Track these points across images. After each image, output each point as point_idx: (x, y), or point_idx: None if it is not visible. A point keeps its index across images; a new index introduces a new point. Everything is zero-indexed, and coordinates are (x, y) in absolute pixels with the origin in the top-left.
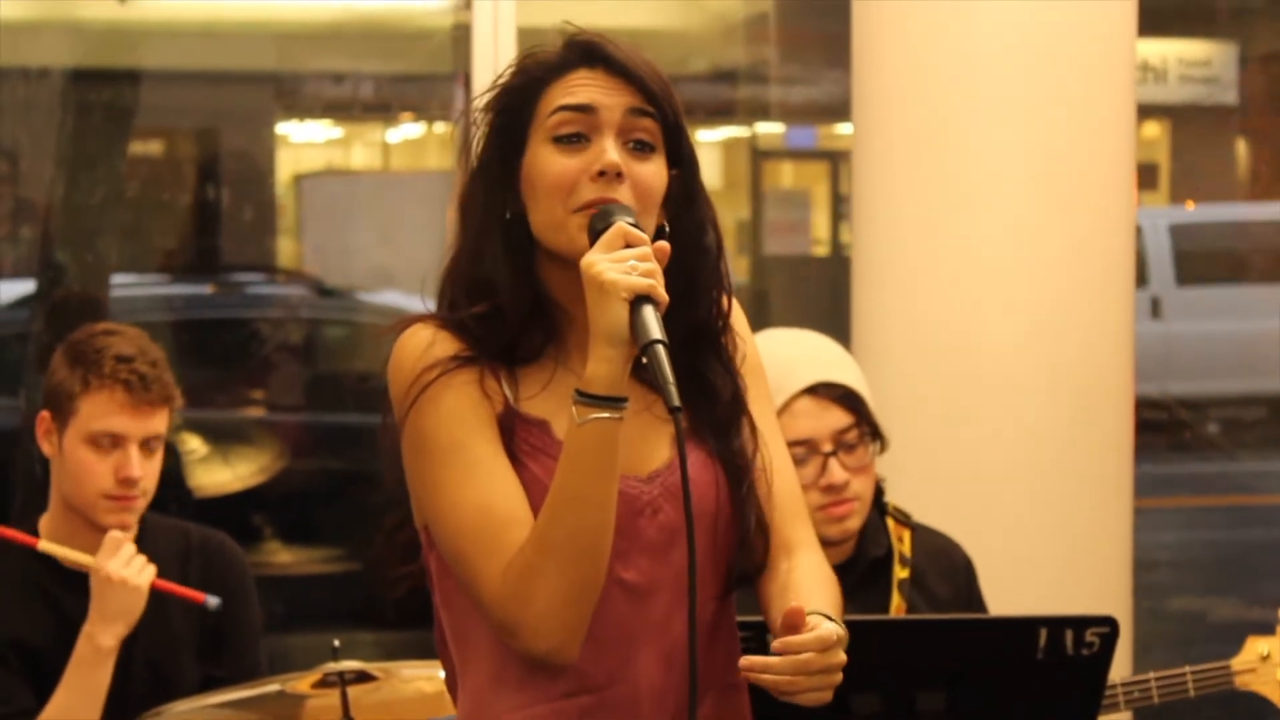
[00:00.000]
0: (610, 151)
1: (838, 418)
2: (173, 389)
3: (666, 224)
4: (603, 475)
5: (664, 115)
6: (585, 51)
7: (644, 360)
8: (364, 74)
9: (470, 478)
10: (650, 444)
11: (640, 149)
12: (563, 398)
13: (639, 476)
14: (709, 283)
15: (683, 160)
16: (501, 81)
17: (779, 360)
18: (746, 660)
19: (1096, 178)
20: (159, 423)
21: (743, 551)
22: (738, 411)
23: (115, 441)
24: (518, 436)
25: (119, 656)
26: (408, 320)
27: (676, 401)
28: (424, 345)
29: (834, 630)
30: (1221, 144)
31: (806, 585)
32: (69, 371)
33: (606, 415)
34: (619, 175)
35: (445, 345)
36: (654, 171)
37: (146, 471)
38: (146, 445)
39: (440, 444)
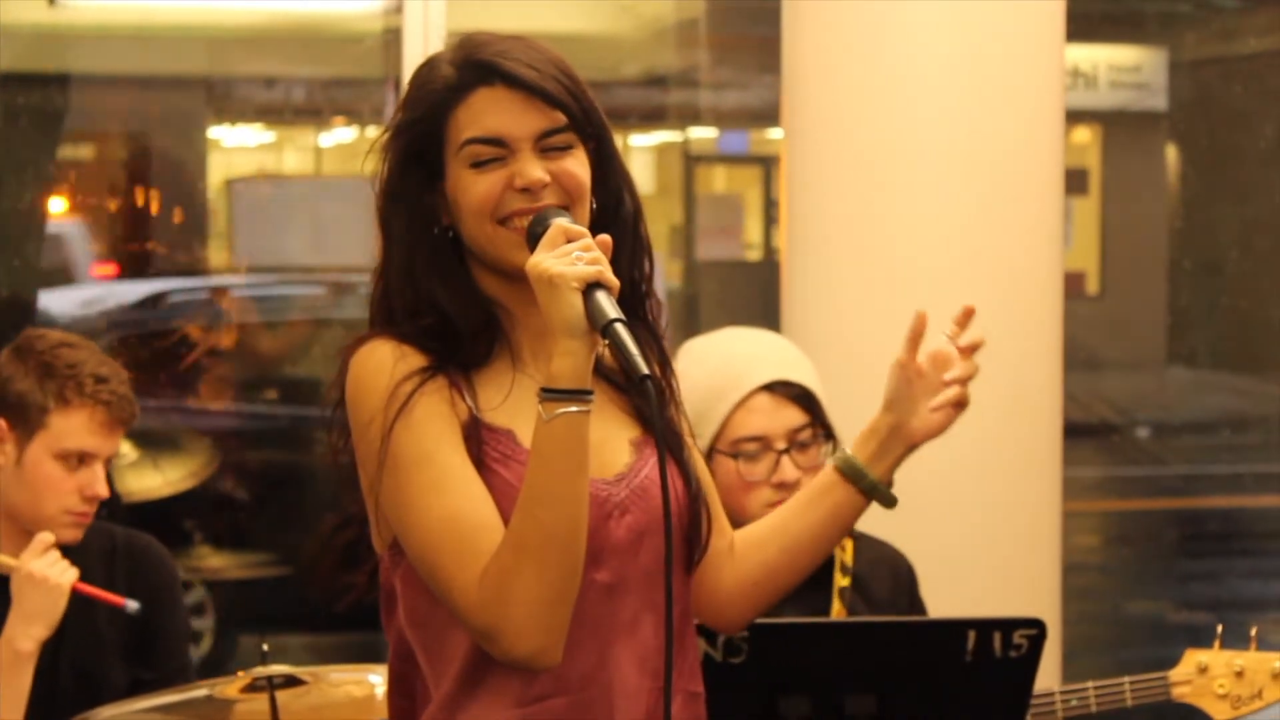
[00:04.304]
0: (530, 170)
1: (793, 416)
2: (136, 407)
3: (595, 201)
4: (573, 470)
5: (573, 118)
6: (482, 70)
7: (606, 342)
8: (295, 78)
9: (440, 487)
10: (613, 447)
11: (557, 151)
12: (524, 405)
13: (605, 479)
14: (631, 246)
15: (595, 133)
16: (402, 117)
17: (737, 356)
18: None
19: (1025, 182)
20: (120, 441)
21: (695, 528)
22: (666, 377)
23: (84, 459)
24: (486, 445)
25: (46, 660)
26: (362, 338)
27: (644, 369)
28: (393, 359)
29: None
30: (1151, 149)
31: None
32: (36, 383)
33: (574, 409)
34: (544, 187)
35: (412, 358)
36: (576, 163)
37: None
38: (107, 462)
39: (410, 455)
